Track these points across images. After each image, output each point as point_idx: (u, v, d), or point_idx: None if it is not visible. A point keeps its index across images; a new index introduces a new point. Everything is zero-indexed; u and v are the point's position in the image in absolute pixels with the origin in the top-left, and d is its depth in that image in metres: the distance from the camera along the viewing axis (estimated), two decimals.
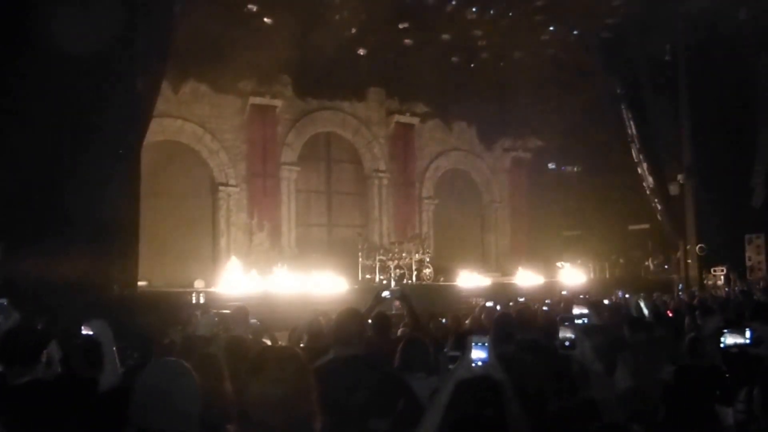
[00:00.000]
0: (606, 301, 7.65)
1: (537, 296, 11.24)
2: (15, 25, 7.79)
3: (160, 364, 1.78)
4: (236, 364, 2.87)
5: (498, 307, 6.92)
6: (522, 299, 10.08)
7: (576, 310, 3.61)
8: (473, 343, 2.06)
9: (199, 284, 12.74)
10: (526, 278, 14.94)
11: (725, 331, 3.16)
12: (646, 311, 6.56)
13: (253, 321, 5.09)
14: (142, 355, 3.91)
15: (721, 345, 3.12)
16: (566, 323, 2.80)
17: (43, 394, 2.46)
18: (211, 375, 2.55)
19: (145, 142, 10.96)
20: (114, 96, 8.70)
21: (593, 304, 6.99)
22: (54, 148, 8.26)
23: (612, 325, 4.10)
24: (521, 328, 3.84)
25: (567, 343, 2.67)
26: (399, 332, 4.96)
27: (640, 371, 3.16)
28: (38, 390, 2.49)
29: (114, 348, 2.89)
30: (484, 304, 8.42)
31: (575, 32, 15.53)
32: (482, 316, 6.74)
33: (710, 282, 14.47)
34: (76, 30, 7.62)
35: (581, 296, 7.19)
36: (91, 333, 2.92)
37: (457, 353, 2.17)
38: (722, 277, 14.49)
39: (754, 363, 3.36)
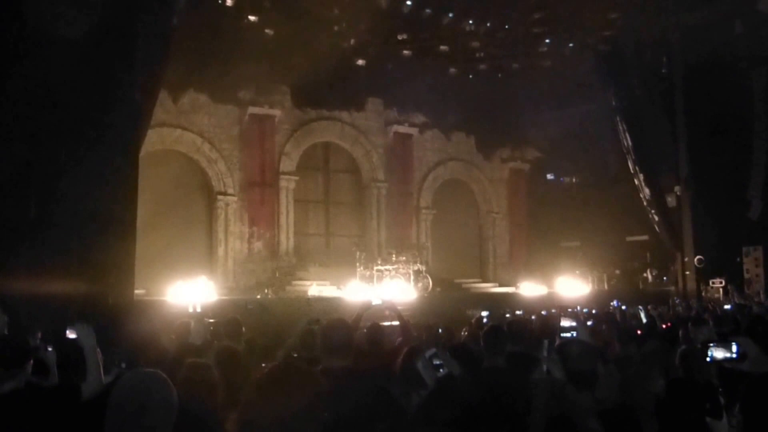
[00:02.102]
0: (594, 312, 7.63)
1: (536, 308, 11.19)
2: (12, 23, 7.81)
3: (135, 375, 1.77)
4: (227, 374, 2.89)
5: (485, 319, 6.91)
6: (520, 312, 10.04)
7: (565, 323, 3.61)
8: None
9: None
10: (528, 289, 14.95)
11: (711, 344, 3.15)
12: (645, 321, 6.56)
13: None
14: (129, 364, 3.89)
15: (708, 359, 3.11)
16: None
17: (24, 403, 2.44)
18: (203, 383, 2.56)
19: (144, 152, 10.99)
20: (110, 101, 8.70)
21: (588, 318, 6.98)
22: (48, 152, 8.24)
23: (595, 339, 4.08)
24: (512, 340, 3.84)
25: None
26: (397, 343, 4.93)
27: (629, 385, 3.15)
28: (20, 399, 2.46)
29: (97, 354, 2.85)
30: (481, 316, 8.42)
31: (571, 45, 15.64)
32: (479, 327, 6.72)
33: (709, 294, 14.44)
34: (73, 28, 7.65)
35: (569, 309, 7.18)
36: (74, 337, 2.87)
37: (434, 350, 2.15)
38: (721, 290, 14.46)
39: (747, 378, 3.36)
